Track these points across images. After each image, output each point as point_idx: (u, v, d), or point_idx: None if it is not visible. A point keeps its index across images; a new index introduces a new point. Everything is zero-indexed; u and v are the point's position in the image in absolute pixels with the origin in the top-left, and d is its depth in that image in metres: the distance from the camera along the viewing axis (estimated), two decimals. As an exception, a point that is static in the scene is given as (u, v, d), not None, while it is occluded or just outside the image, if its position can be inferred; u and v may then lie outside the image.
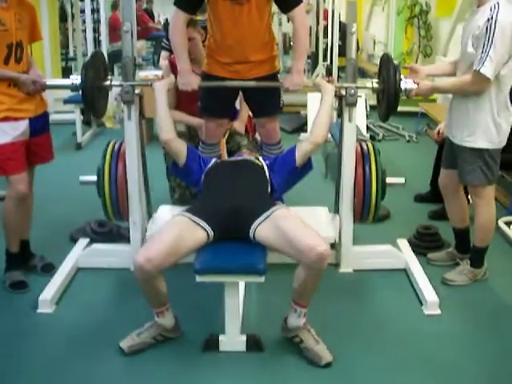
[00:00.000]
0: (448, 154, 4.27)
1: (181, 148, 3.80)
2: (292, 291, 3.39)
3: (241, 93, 4.34)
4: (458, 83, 3.97)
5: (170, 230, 3.36)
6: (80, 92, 3.95)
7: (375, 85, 4.13)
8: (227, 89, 4.14)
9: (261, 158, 3.93)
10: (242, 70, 4.03)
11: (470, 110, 3.92)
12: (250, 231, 3.38)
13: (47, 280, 4.11)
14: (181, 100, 5.01)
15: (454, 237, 4.54)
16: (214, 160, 3.95)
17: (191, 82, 4.03)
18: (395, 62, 4.02)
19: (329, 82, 4.00)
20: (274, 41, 4.16)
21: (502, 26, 3.65)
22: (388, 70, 3.96)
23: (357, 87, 4.11)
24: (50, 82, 4.23)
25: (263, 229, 3.36)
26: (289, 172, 3.81)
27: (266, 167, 3.80)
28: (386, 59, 4.08)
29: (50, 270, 4.32)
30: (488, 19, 3.68)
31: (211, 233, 3.38)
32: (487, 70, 3.69)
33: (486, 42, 3.67)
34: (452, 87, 4.03)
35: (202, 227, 3.37)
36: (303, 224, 3.35)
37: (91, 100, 3.98)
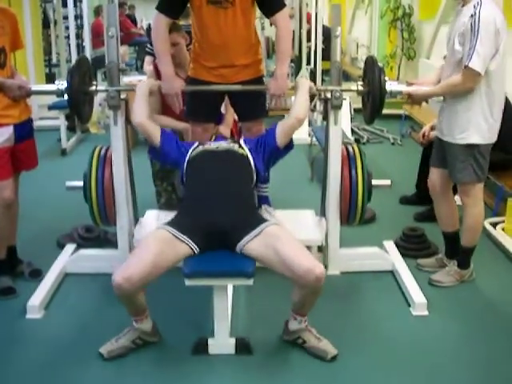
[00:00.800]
0: (438, 152, 4.26)
1: (154, 130, 3.81)
2: (291, 303, 3.42)
3: (226, 97, 4.35)
4: (445, 85, 3.98)
5: (151, 246, 3.30)
6: (66, 97, 3.96)
7: (360, 87, 4.16)
8: (213, 93, 4.15)
9: (243, 144, 3.86)
10: (227, 74, 4.04)
11: (462, 108, 3.93)
12: (237, 247, 3.36)
13: (35, 286, 4.10)
14: (166, 105, 5.02)
15: (443, 242, 4.50)
16: (196, 144, 3.90)
17: (175, 86, 4.03)
18: (380, 64, 4.04)
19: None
20: (258, 45, 4.16)
21: (485, 21, 3.69)
22: (373, 72, 3.98)
23: (342, 90, 4.13)
24: (35, 87, 4.21)
25: (253, 246, 3.34)
26: (270, 152, 3.81)
27: (249, 154, 3.76)
28: (370, 62, 4.09)
29: (37, 275, 4.30)
30: (471, 15, 3.72)
31: (196, 249, 3.36)
32: (475, 63, 3.71)
33: (472, 38, 3.70)
34: (441, 90, 4.03)
35: (187, 244, 3.35)
36: (296, 243, 3.33)
37: (77, 105, 3.99)
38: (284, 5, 3.96)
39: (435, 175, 4.32)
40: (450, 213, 4.37)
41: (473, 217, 4.12)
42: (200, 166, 3.75)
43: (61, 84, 4.00)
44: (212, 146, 3.91)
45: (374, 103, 4.01)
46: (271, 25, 4.00)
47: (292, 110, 3.85)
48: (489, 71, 3.81)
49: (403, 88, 4.14)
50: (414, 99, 4.14)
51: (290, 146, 3.88)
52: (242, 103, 4.26)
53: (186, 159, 3.76)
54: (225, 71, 4.04)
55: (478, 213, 4.15)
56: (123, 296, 3.25)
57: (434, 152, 4.34)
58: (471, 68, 3.73)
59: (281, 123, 3.85)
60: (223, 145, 3.90)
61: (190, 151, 3.80)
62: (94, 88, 4.14)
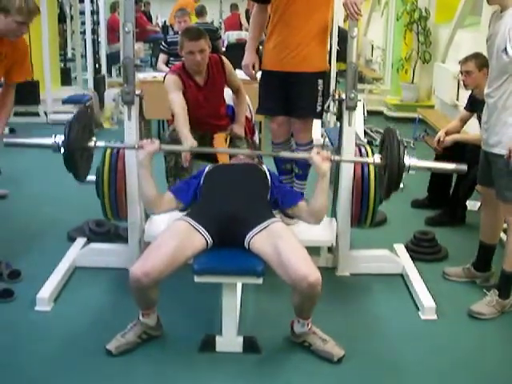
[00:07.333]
0: (484, 169, 4.01)
1: (170, 208, 3.78)
2: (292, 307, 3.43)
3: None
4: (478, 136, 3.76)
5: (170, 239, 3.34)
6: (62, 152, 3.76)
7: (377, 160, 3.88)
8: (276, 83, 4.33)
9: (264, 166, 3.94)
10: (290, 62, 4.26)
11: None
12: (246, 240, 3.39)
13: (45, 278, 4.10)
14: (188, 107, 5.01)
15: (477, 252, 4.31)
16: (208, 166, 3.93)
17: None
18: (399, 137, 3.73)
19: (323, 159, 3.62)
20: (327, 33, 4.37)
21: None
22: (392, 146, 3.67)
23: (355, 161, 4.13)
24: (30, 140, 4.13)
25: (258, 241, 3.37)
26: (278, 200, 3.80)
27: (268, 176, 3.81)
28: (390, 135, 3.76)
29: (16, 276, 4.23)
30: None
31: (210, 240, 3.39)
32: None
33: None
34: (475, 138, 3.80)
35: (201, 234, 3.38)
36: (297, 244, 3.35)
37: (73, 162, 3.77)
38: None
39: (485, 193, 4.17)
40: (494, 225, 4.20)
41: None
42: (218, 174, 3.81)
43: (58, 138, 3.77)
44: (232, 162, 4.07)
45: (390, 178, 3.72)
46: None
47: (313, 214, 3.69)
48: None
49: (422, 164, 3.83)
50: None
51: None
52: (292, 97, 4.35)
53: (204, 174, 3.79)
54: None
55: None
56: (139, 289, 3.26)
57: (480, 169, 4.08)
58: None
59: (300, 209, 3.72)
60: (243, 162, 3.98)
61: (206, 170, 3.83)
62: (93, 144, 3.95)
